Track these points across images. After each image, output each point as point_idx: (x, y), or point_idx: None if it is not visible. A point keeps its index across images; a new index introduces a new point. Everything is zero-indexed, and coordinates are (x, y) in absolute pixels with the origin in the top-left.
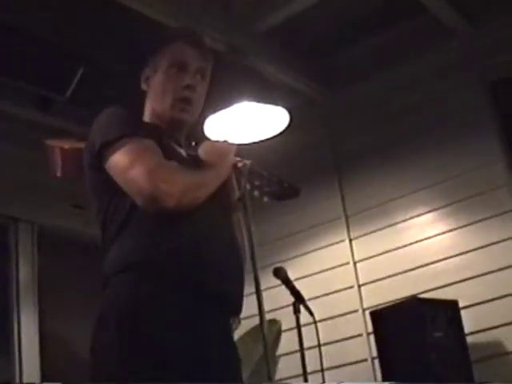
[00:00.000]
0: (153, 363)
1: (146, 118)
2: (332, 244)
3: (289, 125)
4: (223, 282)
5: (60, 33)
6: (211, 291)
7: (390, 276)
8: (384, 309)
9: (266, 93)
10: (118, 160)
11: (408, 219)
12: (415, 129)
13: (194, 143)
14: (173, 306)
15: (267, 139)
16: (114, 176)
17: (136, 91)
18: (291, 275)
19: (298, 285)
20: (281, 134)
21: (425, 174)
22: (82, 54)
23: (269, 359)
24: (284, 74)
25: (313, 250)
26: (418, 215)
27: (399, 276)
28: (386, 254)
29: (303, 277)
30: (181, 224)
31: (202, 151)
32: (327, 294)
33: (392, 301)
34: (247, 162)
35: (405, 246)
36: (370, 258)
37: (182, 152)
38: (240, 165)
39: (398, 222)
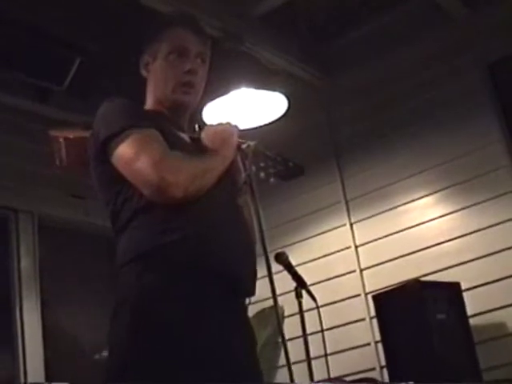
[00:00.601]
0: (167, 352)
1: (148, 104)
2: (333, 229)
3: (287, 110)
4: (234, 265)
5: (55, 23)
6: (223, 275)
7: (391, 260)
8: (386, 292)
9: (263, 79)
10: (123, 152)
11: (408, 202)
12: (414, 112)
13: (197, 127)
14: (184, 293)
15: (266, 125)
16: (119, 168)
17: (132, 78)
18: (293, 261)
19: (299, 270)
20: (279, 119)
21: (424, 157)
22: (78, 45)
23: (284, 344)
24: (281, 60)
25: (314, 236)
26: (419, 198)
27: (401, 259)
28: (387, 238)
29: (305, 262)
30: (188, 211)
31: (204, 135)
32: (329, 279)
33: (394, 284)
34: (251, 142)
35: (406, 229)
36: (371, 241)
37: (185, 137)
38: (244, 146)
39: (399, 206)
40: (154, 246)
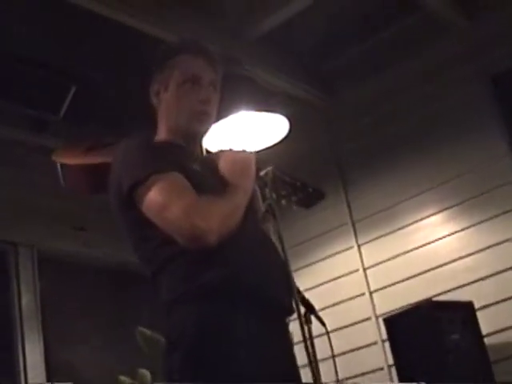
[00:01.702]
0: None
1: (161, 133)
2: (340, 251)
3: (289, 132)
4: (279, 290)
5: (50, 51)
6: (272, 303)
7: (401, 280)
8: (398, 314)
9: (263, 101)
10: (152, 201)
11: (417, 221)
12: (418, 128)
13: (204, 150)
14: (238, 324)
15: (267, 148)
16: (150, 216)
17: (129, 105)
18: (300, 285)
19: (307, 295)
20: (281, 142)
21: (431, 173)
22: (74, 72)
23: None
24: (281, 81)
25: (321, 259)
26: (427, 216)
27: (411, 280)
28: (397, 259)
29: (313, 287)
30: (224, 247)
31: (223, 165)
32: (338, 303)
33: (405, 306)
34: (268, 168)
35: (415, 248)
36: (380, 263)
37: (199, 168)
38: (262, 174)
39: (407, 225)
40: (202, 283)
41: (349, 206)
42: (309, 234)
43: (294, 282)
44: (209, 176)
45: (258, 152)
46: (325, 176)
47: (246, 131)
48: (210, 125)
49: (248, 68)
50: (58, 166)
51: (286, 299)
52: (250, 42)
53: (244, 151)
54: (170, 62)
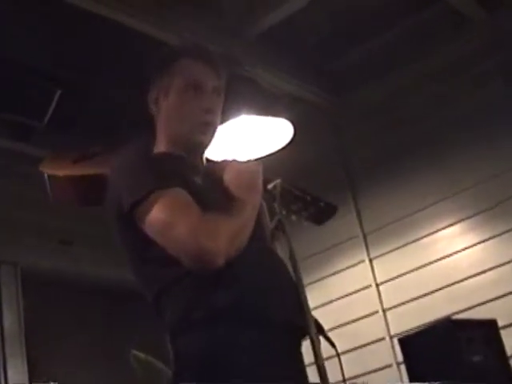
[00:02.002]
0: None
1: (160, 144)
2: (351, 266)
3: (294, 137)
4: (290, 312)
5: (33, 54)
6: (283, 326)
7: (417, 297)
8: (414, 334)
9: (265, 103)
10: (154, 220)
11: (433, 233)
12: (433, 132)
13: (205, 160)
14: (249, 348)
15: (270, 155)
16: (153, 236)
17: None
18: (308, 303)
19: (316, 313)
20: (285, 148)
21: (448, 181)
22: (59, 76)
23: None
24: (284, 81)
25: (330, 274)
26: (444, 227)
27: (428, 297)
28: (412, 273)
29: (321, 304)
30: (232, 267)
31: (227, 178)
32: (349, 322)
33: (422, 325)
34: (277, 181)
35: (431, 262)
36: (394, 278)
37: (200, 181)
38: (270, 187)
39: (422, 237)
40: (209, 309)
41: (359, 217)
42: (316, 247)
43: (307, 303)
44: (212, 190)
45: (259, 159)
46: (332, 185)
47: (247, 137)
48: (213, 135)
49: (249, 68)
50: (46, 177)
51: (298, 321)
52: (251, 41)
53: (250, 162)
54: (171, 67)
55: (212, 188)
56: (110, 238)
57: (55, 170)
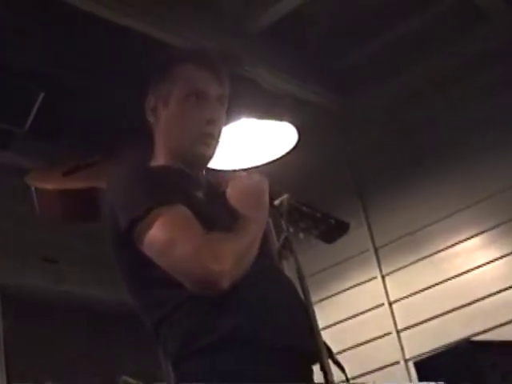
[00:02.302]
0: None
1: (159, 156)
2: (361, 283)
3: (298, 142)
4: (300, 336)
5: (12, 51)
6: (293, 351)
7: (434, 317)
8: (431, 358)
9: (267, 106)
10: (155, 239)
11: (450, 246)
12: (449, 137)
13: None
14: (258, 376)
15: (273, 161)
16: (152, 257)
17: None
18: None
19: (324, 335)
20: (289, 153)
21: (466, 190)
22: (42, 76)
23: None
24: (288, 82)
25: (339, 292)
26: (462, 241)
27: (446, 316)
28: (428, 291)
29: (330, 325)
30: (237, 290)
31: (231, 193)
32: (360, 344)
33: (439, 347)
34: (284, 197)
35: (449, 279)
36: (408, 296)
37: (203, 196)
38: (276, 203)
39: (438, 251)
40: (214, 335)
41: (370, 230)
42: (324, 263)
43: (317, 326)
44: (216, 206)
45: (260, 166)
46: (341, 194)
47: (248, 142)
48: (216, 148)
49: (249, 68)
50: (33, 191)
51: (308, 346)
52: (250, 38)
53: (255, 176)
54: (171, 73)
55: (215, 204)
56: (98, 255)
57: (43, 182)
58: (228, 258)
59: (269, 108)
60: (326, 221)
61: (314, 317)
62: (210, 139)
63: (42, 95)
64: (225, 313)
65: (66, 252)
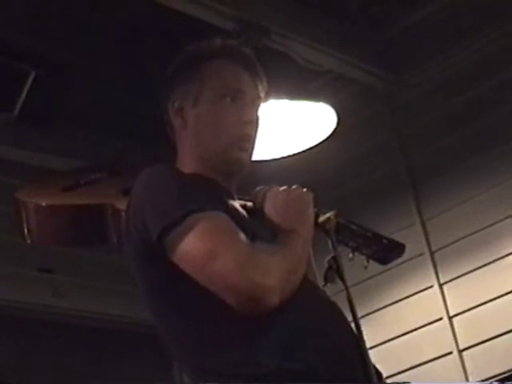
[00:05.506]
0: None
1: (186, 164)
2: (415, 293)
3: (336, 127)
4: (352, 369)
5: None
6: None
7: (503, 334)
8: (500, 381)
9: (300, 85)
10: (191, 249)
11: None
12: None
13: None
14: None
15: (307, 149)
16: (187, 269)
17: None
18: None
19: (373, 355)
20: (326, 140)
21: None
22: (33, 54)
23: None
24: (325, 56)
25: (389, 304)
26: None
27: None
28: (494, 303)
29: (379, 344)
30: (282, 313)
31: (270, 207)
32: (415, 367)
33: (509, 370)
34: (330, 213)
35: None
36: (472, 309)
37: (241, 208)
38: (322, 219)
39: (507, 255)
40: (255, 368)
41: (425, 231)
42: (370, 270)
43: (368, 355)
44: (254, 220)
45: (294, 155)
46: (389, 188)
47: (277, 127)
48: (251, 155)
49: (277, 39)
50: (21, 208)
51: (361, 379)
52: (279, 4)
53: (297, 189)
54: (201, 69)
55: (253, 219)
56: (97, 265)
57: (36, 197)
58: (276, 272)
59: (303, 86)
60: (378, 240)
61: (365, 345)
62: (248, 143)
63: (33, 74)
64: (270, 343)
65: (63, 261)
